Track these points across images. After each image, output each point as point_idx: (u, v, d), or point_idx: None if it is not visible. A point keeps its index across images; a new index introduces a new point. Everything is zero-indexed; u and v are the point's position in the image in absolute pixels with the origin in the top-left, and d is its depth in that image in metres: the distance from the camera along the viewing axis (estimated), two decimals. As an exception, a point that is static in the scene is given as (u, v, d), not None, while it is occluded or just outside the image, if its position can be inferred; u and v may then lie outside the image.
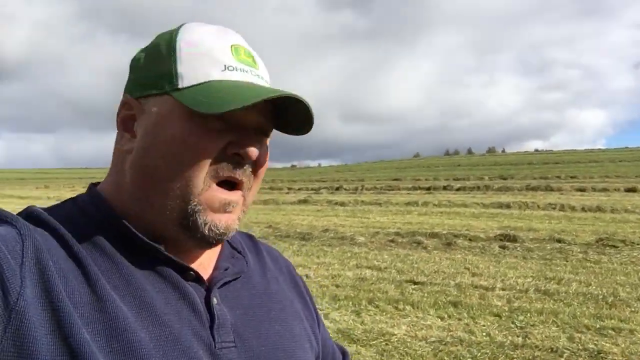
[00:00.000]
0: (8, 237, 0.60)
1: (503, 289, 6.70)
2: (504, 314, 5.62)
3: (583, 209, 15.64)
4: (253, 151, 0.69)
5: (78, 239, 0.66)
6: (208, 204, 0.68)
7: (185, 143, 0.66)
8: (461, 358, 4.49)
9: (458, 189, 25.79)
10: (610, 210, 15.26)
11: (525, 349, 4.65)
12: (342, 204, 20.02)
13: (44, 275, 0.59)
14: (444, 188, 26.63)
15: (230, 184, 0.70)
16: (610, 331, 5.04)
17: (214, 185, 0.68)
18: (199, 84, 0.67)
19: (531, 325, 5.24)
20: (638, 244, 9.59)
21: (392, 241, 10.64)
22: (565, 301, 6.10)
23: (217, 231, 0.69)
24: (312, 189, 29.49)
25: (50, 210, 0.70)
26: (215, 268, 0.76)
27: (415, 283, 7.11)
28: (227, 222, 0.70)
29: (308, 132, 0.74)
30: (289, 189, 31.06)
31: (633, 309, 5.75)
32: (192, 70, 0.68)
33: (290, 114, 0.72)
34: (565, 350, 4.56)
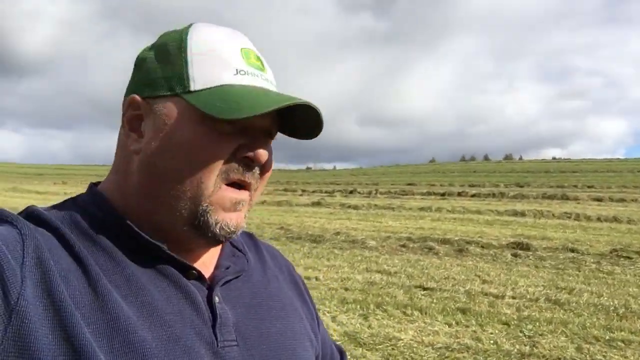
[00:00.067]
0: (8, 236, 0.60)
1: (513, 297, 6.65)
2: (512, 323, 5.58)
3: (599, 219, 15.45)
4: (263, 155, 0.69)
5: (79, 239, 0.66)
6: (219, 204, 0.68)
7: (197, 146, 0.66)
8: (467, 365, 4.47)
9: (473, 196, 25.63)
10: (627, 221, 15.05)
11: (533, 358, 4.62)
12: (355, 207, 20.00)
13: (45, 274, 0.58)
14: (459, 194, 26.47)
15: (238, 185, 0.70)
16: (619, 343, 4.98)
17: (224, 186, 0.68)
18: (212, 88, 0.67)
19: (539, 335, 5.21)
20: (653, 256, 9.45)
21: (403, 246, 10.62)
22: (575, 311, 6.04)
23: (228, 229, 0.69)
24: (326, 192, 29.51)
25: (50, 210, 0.70)
26: (217, 267, 0.77)
27: (424, 289, 7.10)
28: (237, 220, 0.71)
29: (315, 137, 0.75)
30: (303, 191, 31.11)
31: (644, 322, 5.67)
32: (203, 73, 0.68)
33: (299, 119, 0.73)
34: (573, 361, 4.52)
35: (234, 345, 0.69)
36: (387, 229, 13.51)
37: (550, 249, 10.17)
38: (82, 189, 0.81)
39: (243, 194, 0.71)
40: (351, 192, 29.14)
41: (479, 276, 7.94)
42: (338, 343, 1.01)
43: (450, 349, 4.79)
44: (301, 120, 0.73)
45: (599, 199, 21.97)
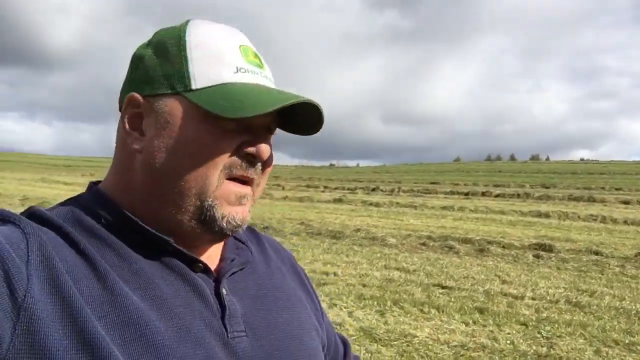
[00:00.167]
0: (12, 236, 0.60)
1: (533, 299, 6.59)
2: (530, 324, 5.54)
3: (625, 222, 15.12)
4: (265, 151, 0.71)
5: (83, 236, 0.66)
6: (224, 198, 0.69)
7: (201, 144, 0.67)
8: (482, 364, 4.46)
9: (497, 196, 25.32)
10: (655, 224, 14.71)
11: (549, 359, 4.58)
12: (377, 204, 19.96)
13: (51, 271, 0.59)
14: (483, 194, 26.16)
15: (241, 180, 0.71)
16: (639, 347, 4.90)
17: (226, 181, 0.69)
18: (213, 86, 0.68)
19: (557, 337, 5.15)
20: (680, 261, 9.23)
21: (423, 244, 10.58)
22: (595, 314, 5.96)
23: (234, 223, 0.70)
24: (348, 189, 29.50)
25: (52, 209, 0.71)
26: (222, 259, 0.78)
27: (443, 287, 7.07)
28: (242, 214, 0.72)
29: (315, 133, 0.76)
30: (325, 187, 31.14)
31: (667, 327, 5.57)
32: (204, 71, 0.68)
33: (299, 115, 0.73)
34: (590, 364, 4.47)
35: (243, 336, 0.70)
36: (408, 227, 13.47)
37: (573, 251, 10.01)
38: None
39: (246, 189, 0.72)
40: (373, 189, 29.06)
41: (498, 276, 7.88)
42: (342, 334, 1.02)
43: (465, 348, 4.78)
44: (301, 116, 0.74)
45: (626, 202, 21.49)
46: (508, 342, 4.98)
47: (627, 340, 5.06)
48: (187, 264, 0.71)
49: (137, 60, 0.73)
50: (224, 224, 0.69)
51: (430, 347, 4.80)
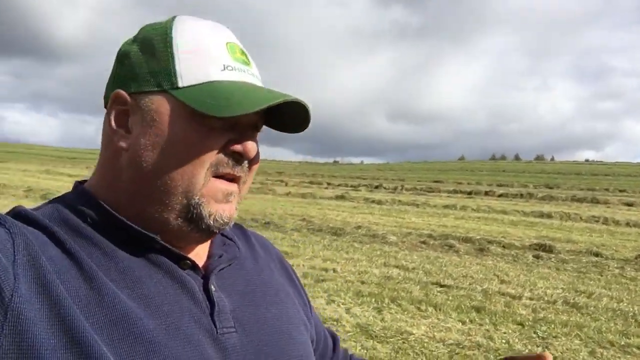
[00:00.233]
0: None
1: (530, 299, 6.61)
2: (527, 323, 5.56)
3: (628, 224, 15.11)
4: (252, 149, 0.70)
5: (69, 235, 0.65)
6: (211, 196, 0.69)
7: (187, 142, 0.67)
8: (476, 362, 4.49)
9: (500, 195, 25.30)
10: (657, 227, 14.69)
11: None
12: (379, 202, 19.99)
13: (38, 270, 0.58)
14: (486, 193, 26.16)
15: (228, 178, 0.71)
16: (635, 349, 4.92)
17: (213, 178, 0.69)
18: (200, 84, 0.67)
19: (553, 337, 5.18)
20: (681, 264, 9.23)
21: (423, 242, 10.61)
22: (592, 315, 5.97)
23: (222, 221, 0.70)
24: (351, 186, 29.52)
25: (37, 209, 0.70)
26: (209, 256, 0.77)
27: (441, 285, 7.10)
28: (229, 211, 0.71)
29: (301, 132, 0.76)
30: (329, 184, 31.17)
31: (663, 329, 5.58)
32: (190, 68, 0.68)
33: (288, 114, 0.73)
34: (585, 364, 4.49)
35: (232, 331, 0.70)
36: (409, 225, 13.49)
37: (573, 252, 10.02)
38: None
39: (233, 186, 0.71)
40: (376, 187, 29.08)
41: (497, 276, 7.90)
42: (331, 329, 1.04)
43: (461, 346, 4.81)
44: (289, 115, 0.74)
45: (630, 204, 21.43)
46: (503, 341, 5.00)
47: (623, 342, 5.08)
48: (174, 262, 0.70)
49: (122, 57, 0.72)
50: (211, 222, 0.69)
51: (425, 344, 4.83)
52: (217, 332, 0.68)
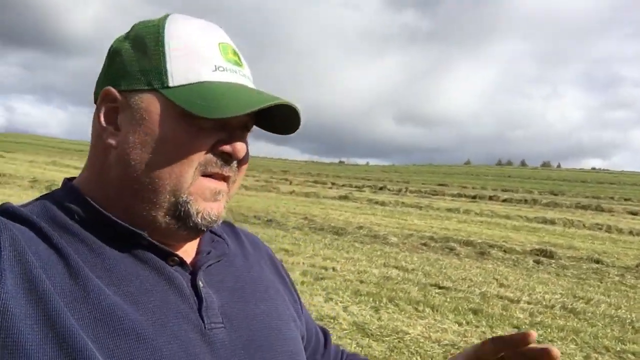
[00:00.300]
0: None
1: (528, 303, 6.62)
2: (523, 327, 5.57)
3: (631, 233, 15.07)
4: (241, 150, 0.70)
5: (56, 231, 0.65)
6: (199, 194, 0.69)
7: (176, 142, 0.67)
8: (470, 363, 4.51)
9: (504, 200, 25.29)
10: (660, 236, 14.64)
11: (538, 362, 4.62)
12: (383, 203, 20.01)
13: (24, 266, 0.58)
14: (490, 198, 26.14)
15: (216, 177, 0.71)
16: (630, 355, 4.93)
17: (201, 177, 0.69)
18: (191, 84, 0.67)
19: (549, 341, 5.18)
20: (682, 274, 9.21)
21: (424, 245, 10.63)
22: (589, 321, 5.98)
23: (209, 219, 0.70)
24: (355, 187, 29.55)
25: (25, 206, 0.70)
26: (198, 253, 0.77)
27: (439, 287, 7.12)
28: (217, 210, 0.71)
29: (292, 133, 0.76)
30: (333, 184, 31.21)
31: (660, 337, 5.58)
32: (181, 68, 0.67)
33: (278, 116, 0.73)
34: (578, 369, 4.51)
35: (220, 327, 0.70)
36: (410, 227, 13.51)
37: (574, 259, 10.01)
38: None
39: (221, 185, 0.71)
40: (381, 188, 29.11)
41: (496, 279, 7.91)
42: (323, 326, 1.04)
43: (456, 347, 4.83)
44: (279, 117, 0.73)
45: (634, 213, 21.37)
46: (499, 343, 5.02)
47: (619, 348, 5.09)
48: (162, 258, 0.70)
49: (114, 54, 0.72)
50: (199, 220, 0.69)
51: (421, 344, 4.85)
52: (205, 328, 0.68)
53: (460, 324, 5.56)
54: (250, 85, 0.73)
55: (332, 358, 1.00)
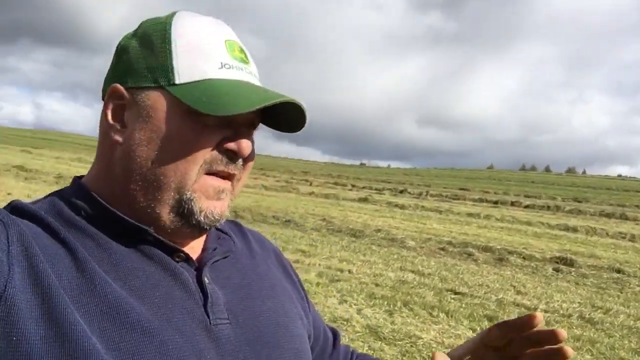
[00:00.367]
0: None
1: (545, 311, 6.54)
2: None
3: (656, 242, 14.76)
4: (246, 147, 0.70)
5: (64, 226, 0.66)
6: (202, 192, 0.69)
7: (182, 139, 0.67)
8: (482, 370, 4.49)
9: (527, 206, 24.97)
10: (686, 247, 14.30)
11: (551, 371, 4.57)
12: (402, 206, 19.93)
13: (32, 261, 0.59)
14: (512, 204, 25.84)
15: (221, 175, 0.71)
16: (647, 368, 4.85)
17: (205, 175, 0.69)
18: (197, 82, 0.67)
19: (564, 350, 5.13)
20: None
21: (442, 249, 10.57)
22: (607, 331, 5.90)
23: (212, 217, 0.70)
24: (375, 189, 29.49)
25: (34, 203, 0.71)
26: (204, 250, 0.77)
27: (455, 293, 7.09)
28: (221, 208, 0.71)
29: (298, 131, 0.75)
30: (353, 186, 31.20)
31: (679, 350, 5.48)
32: (188, 66, 0.68)
33: (283, 113, 0.73)
34: (593, 379, 4.45)
35: (226, 323, 0.70)
36: (429, 231, 13.44)
37: (595, 267, 9.86)
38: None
39: (226, 183, 0.71)
40: (401, 191, 28.99)
41: (514, 286, 7.84)
42: (333, 326, 1.05)
43: (468, 353, 4.81)
44: (285, 114, 0.73)
45: (660, 222, 20.90)
46: (513, 351, 4.98)
47: (635, 360, 5.01)
48: (168, 254, 0.70)
49: (121, 51, 0.73)
50: (202, 218, 0.69)
51: (433, 349, 4.84)
52: (210, 323, 0.68)
53: (474, 331, 5.53)
54: (257, 82, 0.73)
55: (342, 358, 1.00)
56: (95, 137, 0.77)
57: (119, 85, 0.70)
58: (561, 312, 6.57)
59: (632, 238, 15.27)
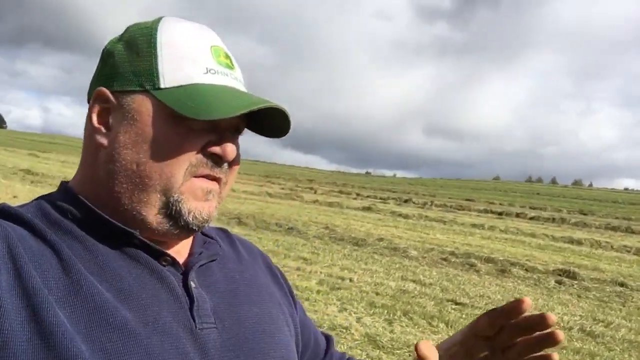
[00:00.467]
0: None
1: (546, 323, 6.51)
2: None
3: (661, 257, 14.64)
4: (231, 152, 0.71)
5: (50, 229, 0.66)
6: (190, 193, 0.70)
7: (167, 143, 0.67)
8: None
9: (531, 218, 24.84)
10: (692, 262, 14.19)
11: (549, 384, 4.55)
12: (406, 216, 19.90)
13: (16, 262, 0.59)
14: (517, 215, 25.70)
15: (208, 178, 0.72)
16: (646, 382, 4.82)
17: (193, 178, 0.70)
18: (182, 86, 0.68)
19: (563, 363, 5.11)
20: None
21: (444, 260, 10.55)
22: (607, 345, 5.87)
23: (201, 218, 0.71)
24: (380, 198, 29.45)
25: (22, 206, 0.71)
26: (190, 254, 0.77)
27: (456, 303, 7.08)
28: (209, 209, 0.72)
29: (283, 137, 0.76)
30: (358, 194, 31.17)
31: (680, 365, 5.44)
32: (173, 70, 0.68)
33: (267, 118, 0.74)
34: (591, 393, 4.43)
35: (212, 327, 0.70)
36: (432, 241, 13.41)
37: (598, 280, 9.80)
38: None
39: (213, 185, 0.72)
40: (406, 201, 28.93)
41: (515, 298, 7.79)
42: (327, 333, 1.05)
43: (467, 364, 4.80)
44: (270, 120, 0.74)
45: (666, 236, 20.73)
46: (511, 362, 4.96)
47: (635, 374, 4.98)
48: (154, 257, 0.71)
49: (107, 55, 0.73)
50: (190, 219, 0.70)
51: (431, 359, 4.83)
52: (196, 327, 0.68)
53: (473, 341, 5.51)
54: (242, 88, 0.74)
55: None
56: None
57: (104, 89, 0.71)
58: (562, 324, 6.53)
59: (637, 252, 15.14)
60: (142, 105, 0.68)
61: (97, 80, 0.73)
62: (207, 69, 0.70)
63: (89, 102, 0.74)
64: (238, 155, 0.74)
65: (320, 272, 8.04)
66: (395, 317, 6.07)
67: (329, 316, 5.72)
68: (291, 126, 0.74)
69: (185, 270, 0.73)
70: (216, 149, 0.70)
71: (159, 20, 0.73)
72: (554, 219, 24.54)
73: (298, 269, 8.15)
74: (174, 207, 0.69)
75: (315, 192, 29.25)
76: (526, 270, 10.22)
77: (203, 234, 0.82)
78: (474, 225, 18.79)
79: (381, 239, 12.18)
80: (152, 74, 0.68)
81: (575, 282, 9.53)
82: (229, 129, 0.72)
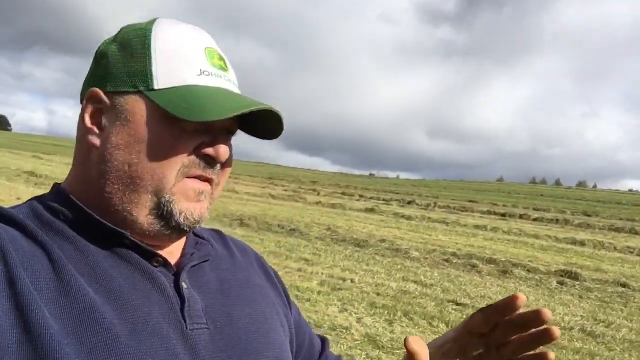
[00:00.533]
0: None
1: (547, 324, 6.52)
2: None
3: (664, 258, 14.60)
4: (224, 153, 0.71)
5: (42, 229, 0.66)
6: (182, 194, 0.70)
7: (159, 144, 0.68)
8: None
9: (535, 220, 24.79)
10: (696, 263, 14.15)
11: (549, 383, 4.56)
12: (409, 218, 19.91)
13: (6, 263, 0.59)
14: (521, 216, 25.67)
15: (200, 179, 0.72)
16: (646, 382, 4.83)
17: (185, 179, 0.70)
18: (175, 88, 0.68)
19: (563, 363, 5.12)
20: None
21: (446, 261, 10.56)
22: (608, 345, 5.87)
23: (192, 219, 0.71)
24: (383, 200, 29.48)
25: (14, 208, 0.71)
26: (182, 255, 0.77)
27: (457, 304, 7.09)
28: (200, 210, 0.72)
29: (276, 138, 0.76)
30: (361, 196, 31.20)
31: (681, 365, 5.44)
32: (167, 72, 0.68)
33: (261, 120, 0.74)
34: (590, 392, 4.44)
35: (204, 328, 0.69)
36: (435, 242, 13.42)
37: (600, 281, 9.79)
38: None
39: (205, 186, 0.72)
40: (409, 202, 28.93)
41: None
42: (322, 335, 1.05)
43: (466, 364, 4.81)
44: (263, 122, 0.74)
45: (670, 237, 20.66)
46: (511, 363, 4.98)
47: (635, 374, 4.99)
48: (145, 258, 0.71)
49: (101, 56, 0.73)
50: (182, 220, 0.70)
51: (431, 359, 4.85)
52: (187, 329, 0.68)
53: (473, 341, 5.53)
54: (236, 90, 0.74)
55: None
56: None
57: (97, 89, 0.71)
58: (563, 325, 6.54)
59: (640, 253, 15.13)
60: (136, 106, 0.69)
61: (90, 81, 0.74)
62: (201, 70, 0.70)
63: (82, 103, 0.74)
64: (231, 156, 0.75)
65: (322, 273, 8.07)
66: (396, 317, 6.09)
67: (330, 317, 5.75)
68: (284, 128, 0.74)
69: (177, 271, 0.73)
70: (209, 151, 0.70)
71: (153, 21, 0.74)
72: (557, 221, 24.49)
73: (300, 270, 8.18)
74: (166, 208, 0.69)
75: (318, 194, 29.29)
76: (528, 271, 10.22)
77: (196, 235, 0.83)
78: (476, 227, 18.78)
79: (383, 241, 12.19)
80: (146, 75, 0.69)
81: (577, 283, 9.52)
82: (222, 131, 0.72)
